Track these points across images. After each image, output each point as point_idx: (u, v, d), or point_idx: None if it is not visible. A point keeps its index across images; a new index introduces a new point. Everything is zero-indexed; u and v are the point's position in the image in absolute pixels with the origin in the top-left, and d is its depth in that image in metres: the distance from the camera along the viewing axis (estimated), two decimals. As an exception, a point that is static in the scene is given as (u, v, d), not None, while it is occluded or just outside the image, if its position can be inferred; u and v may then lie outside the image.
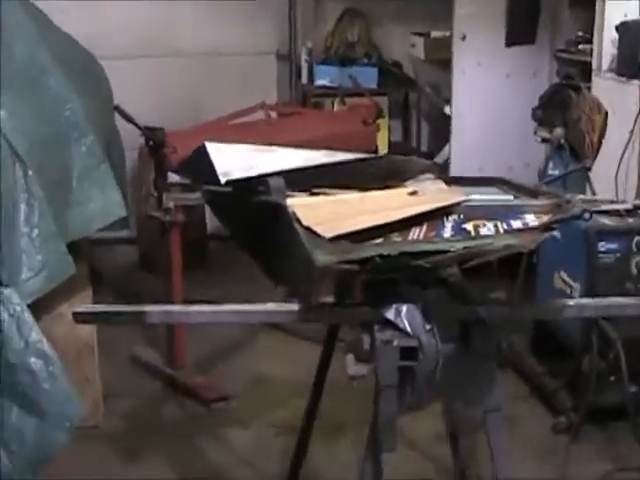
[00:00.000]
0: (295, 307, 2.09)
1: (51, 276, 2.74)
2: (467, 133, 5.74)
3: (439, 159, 6.07)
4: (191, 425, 3.96)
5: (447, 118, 5.94)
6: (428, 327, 2.04)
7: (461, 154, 5.72)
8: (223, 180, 2.25)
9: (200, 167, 2.35)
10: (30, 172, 2.75)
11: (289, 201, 2.20)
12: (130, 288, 5.13)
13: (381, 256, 1.96)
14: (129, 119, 4.15)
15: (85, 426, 3.83)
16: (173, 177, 4.04)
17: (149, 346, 4.60)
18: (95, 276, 4.06)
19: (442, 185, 2.51)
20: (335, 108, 6.31)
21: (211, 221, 5.80)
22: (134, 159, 5.48)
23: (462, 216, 2.25)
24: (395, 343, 2.01)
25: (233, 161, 2.33)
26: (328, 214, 2.21)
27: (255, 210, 2.29)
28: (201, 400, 4.10)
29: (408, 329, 2.02)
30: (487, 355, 2.11)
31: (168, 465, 3.63)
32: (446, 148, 6.04)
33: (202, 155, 2.35)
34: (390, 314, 2.03)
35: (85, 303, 3.88)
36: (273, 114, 4.83)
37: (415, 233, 2.16)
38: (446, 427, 3.11)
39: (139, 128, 4.17)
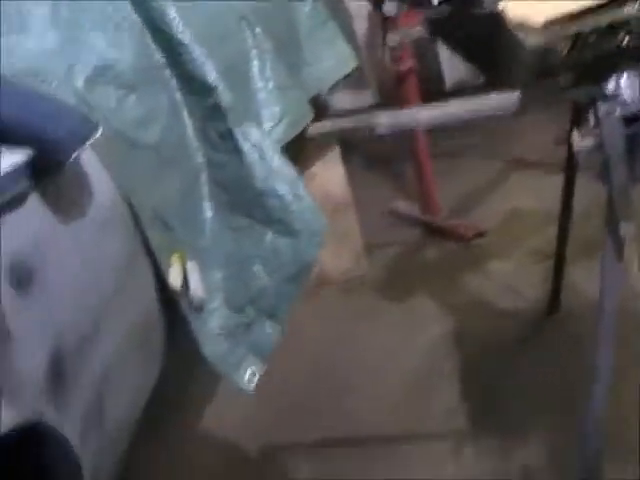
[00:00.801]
0: (517, 95, 2.13)
1: (292, 123, 2.82)
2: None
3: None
4: (453, 263, 4.08)
5: None
6: (650, 92, 2.03)
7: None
8: (436, 1, 2.30)
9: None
10: (257, 29, 2.85)
11: (501, 5, 2.23)
12: (377, 152, 5.20)
13: (592, 30, 1.97)
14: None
15: (351, 277, 4.07)
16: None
17: (404, 200, 4.74)
18: (345, 146, 4.17)
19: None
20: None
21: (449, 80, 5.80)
22: (364, 28, 5.53)
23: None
24: (617, 112, 2.01)
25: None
26: (539, 6, 2.21)
27: (472, 23, 2.33)
28: (459, 238, 4.21)
29: (629, 98, 2.02)
30: None
31: (435, 301, 3.77)
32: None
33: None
34: (610, 86, 2.04)
35: (334, 162, 4.07)
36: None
37: (629, 9, 2.13)
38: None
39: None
